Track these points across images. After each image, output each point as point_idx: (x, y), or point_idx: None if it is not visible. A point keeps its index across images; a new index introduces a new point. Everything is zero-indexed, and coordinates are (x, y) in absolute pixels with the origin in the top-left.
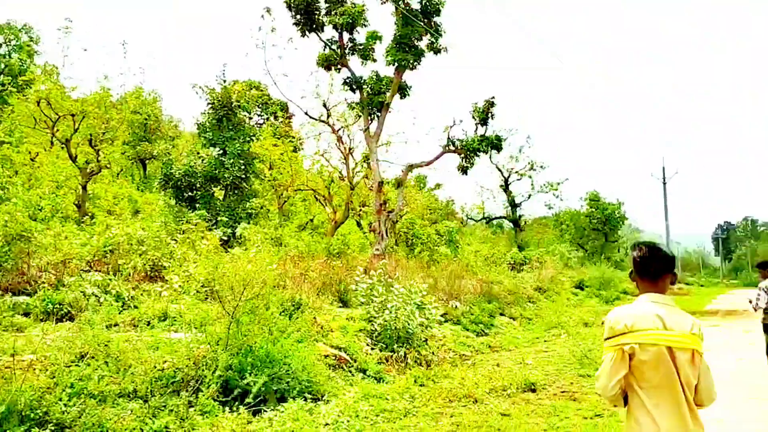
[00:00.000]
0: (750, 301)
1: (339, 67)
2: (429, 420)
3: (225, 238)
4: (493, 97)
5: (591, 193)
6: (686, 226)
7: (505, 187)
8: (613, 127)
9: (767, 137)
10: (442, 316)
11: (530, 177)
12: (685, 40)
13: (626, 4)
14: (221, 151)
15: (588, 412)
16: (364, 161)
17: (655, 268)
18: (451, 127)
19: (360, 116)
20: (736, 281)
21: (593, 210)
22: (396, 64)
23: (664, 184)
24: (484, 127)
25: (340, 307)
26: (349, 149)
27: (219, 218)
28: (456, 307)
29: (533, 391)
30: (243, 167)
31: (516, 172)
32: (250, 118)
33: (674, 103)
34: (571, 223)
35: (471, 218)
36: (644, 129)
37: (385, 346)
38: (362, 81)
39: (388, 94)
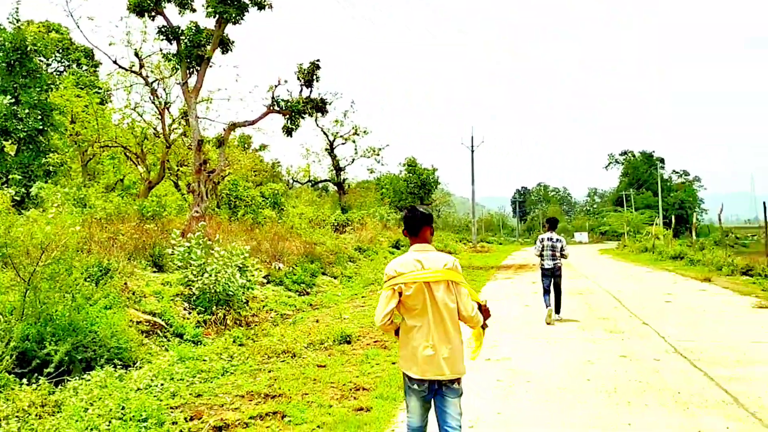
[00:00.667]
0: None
1: (153, 14)
2: (247, 377)
3: (18, 198)
4: (318, 60)
5: (408, 158)
6: (491, 190)
7: (330, 150)
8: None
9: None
10: (264, 277)
11: (354, 142)
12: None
13: None
14: (13, 100)
15: (396, 358)
16: (182, 118)
17: (415, 224)
18: (276, 86)
19: (177, 69)
20: (530, 239)
21: (410, 175)
22: (217, 16)
23: (472, 151)
24: (310, 89)
25: (155, 272)
26: (165, 104)
27: (10, 176)
28: (279, 268)
29: (348, 342)
30: (40, 119)
31: (341, 136)
32: (48, 65)
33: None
34: (391, 186)
35: (297, 181)
36: (463, 102)
37: (204, 309)
38: (180, 31)
39: (208, 48)
